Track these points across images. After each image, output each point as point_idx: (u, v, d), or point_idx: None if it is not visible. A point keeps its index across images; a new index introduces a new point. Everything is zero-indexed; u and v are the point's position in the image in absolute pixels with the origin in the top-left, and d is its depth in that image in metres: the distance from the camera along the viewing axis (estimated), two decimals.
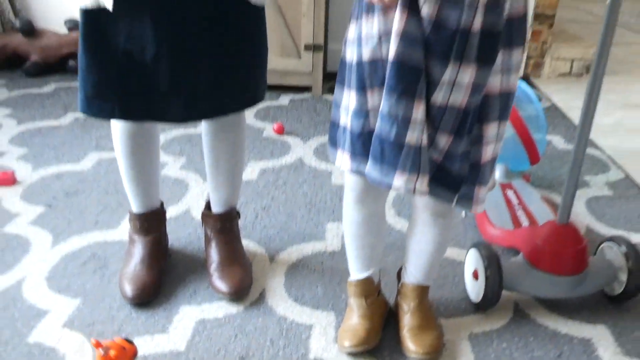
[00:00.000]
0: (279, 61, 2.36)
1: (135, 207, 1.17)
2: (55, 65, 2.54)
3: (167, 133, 1.94)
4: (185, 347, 1.03)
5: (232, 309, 1.13)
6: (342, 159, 0.88)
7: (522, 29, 0.80)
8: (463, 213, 1.46)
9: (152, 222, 1.19)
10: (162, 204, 1.23)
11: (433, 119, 0.78)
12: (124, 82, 0.96)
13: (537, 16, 2.61)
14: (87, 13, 0.93)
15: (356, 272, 1.04)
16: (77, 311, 1.11)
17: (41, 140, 1.87)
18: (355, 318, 1.02)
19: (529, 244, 1.13)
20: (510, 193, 1.45)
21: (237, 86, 1.04)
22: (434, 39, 0.73)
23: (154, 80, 0.96)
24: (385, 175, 0.80)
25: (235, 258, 1.19)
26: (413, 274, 1.03)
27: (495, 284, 1.06)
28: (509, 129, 1.57)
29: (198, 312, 1.12)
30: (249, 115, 2.13)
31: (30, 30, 2.47)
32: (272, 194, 1.60)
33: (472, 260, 1.15)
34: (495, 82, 0.79)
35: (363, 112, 0.83)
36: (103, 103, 0.99)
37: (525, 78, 2.72)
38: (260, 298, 1.17)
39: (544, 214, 1.35)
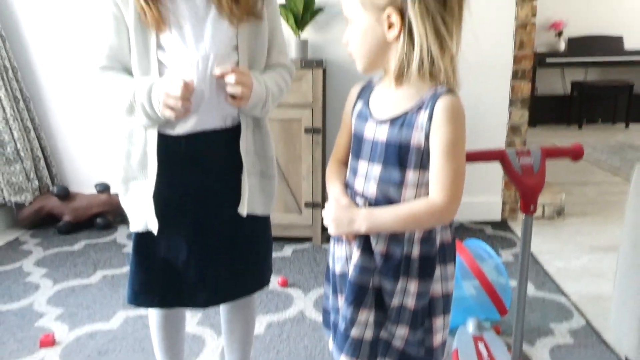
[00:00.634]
0: (283, 216, 2.70)
1: None
2: (85, 223, 2.88)
3: None
4: None
5: None
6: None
7: (452, 250, 1.10)
8: None
9: None
10: None
11: (393, 316, 1.05)
12: (163, 280, 1.26)
13: None
14: (138, 234, 1.25)
15: None
16: None
17: (75, 300, 2.15)
18: None
19: None
20: (481, 346, 1.68)
21: (250, 275, 1.34)
22: (386, 267, 1.03)
23: (185, 277, 1.26)
24: (336, 353, 1.08)
25: None
26: None
27: None
28: (476, 283, 1.84)
29: None
30: None
31: (65, 194, 2.84)
32: (277, 347, 1.83)
33: None
34: (437, 288, 1.07)
35: (335, 309, 1.12)
36: (147, 296, 1.28)
37: (503, 222, 3.03)
38: None
39: None
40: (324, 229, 2.91)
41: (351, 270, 1.05)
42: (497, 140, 2.90)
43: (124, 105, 1.18)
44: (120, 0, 1.16)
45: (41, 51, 2.92)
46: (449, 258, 1.08)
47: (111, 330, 1.94)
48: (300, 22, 2.65)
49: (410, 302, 1.05)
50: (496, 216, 3.05)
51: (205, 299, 1.29)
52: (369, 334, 1.07)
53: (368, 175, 1.04)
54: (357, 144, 1.07)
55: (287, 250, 2.67)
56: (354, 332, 1.06)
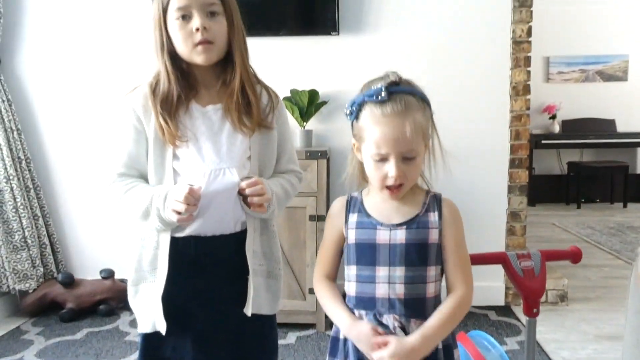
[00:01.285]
0: (287, 303, 2.69)
1: None
2: (87, 309, 2.87)
3: None
4: None
5: None
6: None
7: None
8: None
9: None
10: None
11: None
12: None
13: None
14: (145, 335, 1.28)
15: None
16: None
17: None
18: None
19: None
20: None
21: None
22: None
23: None
24: None
25: None
26: None
27: None
28: None
29: None
30: None
31: (70, 282, 2.85)
32: None
33: None
34: None
35: None
36: None
37: (507, 307, 3.02)
38: None
39: None
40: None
41: None
42: (497, 226, 2.95)
43: (140, 210, 1.23)
44: (143, 114, 1.25)
45: (54, 143, 3.03)
46: (454, 344, 1.12)
47: None
48: (305, 115, 2.77)
49: None
50: (499, 301, 3.04)
51: None
52: None
53: (392, 278, 1.09)
54: (369, 252, 1.11)
55: (291, 337, 2.64)
56: None
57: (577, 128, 6.10)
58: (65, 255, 3.10)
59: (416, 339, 1.04)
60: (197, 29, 1.19)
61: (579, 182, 6.10)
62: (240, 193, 1.25)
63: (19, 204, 2.81)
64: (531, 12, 2.78)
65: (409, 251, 1.10)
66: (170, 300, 1.26)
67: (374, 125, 1.07)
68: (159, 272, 1.26)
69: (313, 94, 2.76)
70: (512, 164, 2.90)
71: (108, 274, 2.90)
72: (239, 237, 1.30)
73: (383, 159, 1.08)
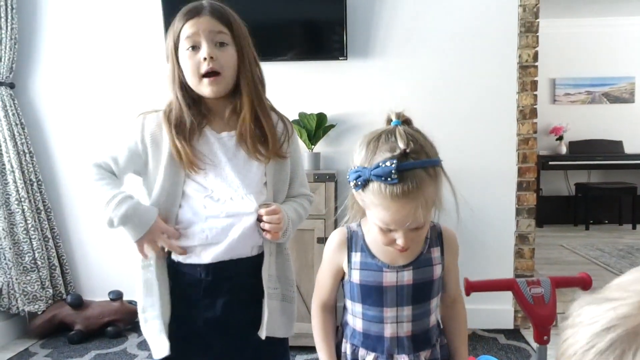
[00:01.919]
0: (295, 325, 2.68)
1: None
2: (96, 331, 2.87)
3: None
4: None
5: None
6: None
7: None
8: None
9: None
10: None
11: None
12: None
13: (517, 277, 2.99)
14: None
15: None
16: None
17: None
18: None
19: None
20: None
21: None
22: None
23: None
24: None
25: None
26: None
27: None
28: None
29: None
30: None
31: (79, 304, 2.86)
32: None
33: None
34: None
35: None
36: None
37: (516, 330, 3.00)
38: None
39: None
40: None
41: None
42: (505, 249, 2.95)
43: (98, 205, 1.25)
44: (151, 141, 1.26)
45: (65, 165, 3.07)
46: None
47: None
48: (313, 138, 2.79)
49: None
50: (508, 324, 3.02)
51: None
52: None
53: (400, 318, 1.10)
54: (376, 293, 1.10)
55: None
56: None
57: (584, 149, 6.10)
58: (75, 276, 3.12)
59: None
60: (204, 58, 1.21)
61: (587, 203, 6.07)
62: (258, 219, 1.27)
63: (29, 225, 2.84)
64: (537, 37, 2.81)
65: (416, 291, 1.11)
66: (187, 326, 1.28)
67: (383, 207, 0.98)
68: (162, 299, 1.28)
69: (321, 117, 2.79)
70: (520, 186, 2.91)
71: (116, 296, 2.91)
72: (255, 261, 1.31)
73: (390, 230, 1.03)
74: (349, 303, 1.15)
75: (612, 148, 6.10)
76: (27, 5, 2.99)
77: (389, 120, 1.05)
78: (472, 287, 1.23)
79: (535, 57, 2.82)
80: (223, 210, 1.25)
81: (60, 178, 3.08)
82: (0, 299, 2.81)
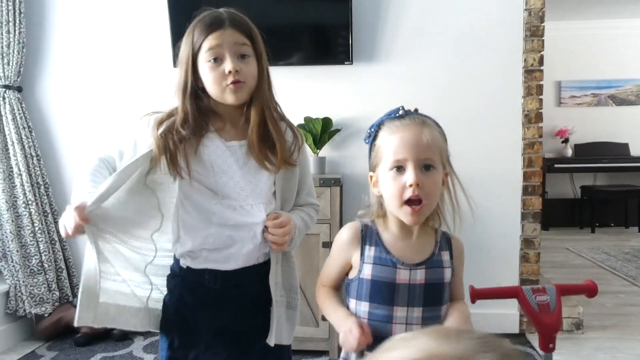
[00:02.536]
0: (299, 329, 2.66)
1: None
2: (102, 334, 2.89)
3: None
4: None
5: None
6: None
7: None
8: None
9: None
10: None
11: None
12: None
13: (523, 281, 2.99)
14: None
15: None
16: None
17: None
18: None
19: None
20: None
21: None
22: None
23: None
24: None
25: None
26: None
27: None
28: None
29: None
30: None
31: None
32: None
33: None
34: None
35: None
36: None
37: (521, 334, 2.99)
38: None
39: None
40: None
41: None
42: (510, 253, 2.94)
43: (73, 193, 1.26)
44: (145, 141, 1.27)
45: (72, 168, 3.09)
46: None
47: None
48: (318, 142, 2.80)
49: None
50: (514, 328, 3.01)
51: None
52: None
53: (409, 319, 1.10)
54: (387, 291, 1.10)
55: None
56: None
57: (590, 152, 6.08)
58: (78, 272, 3.13)
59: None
60: (230, 72, 1.21)
61: (593, 206, 6.05)
62: (264, 230, 1.28)
63: (36, 228, 2.86)
64: (542, 41, 2.81)
65: (427, 291, 1.10)
66: (194, 333, 1.29)
67: (392, 134, 1.09)
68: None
69: (326, 121, 2.80)
70: (525, 190, 2.91)
71: None
72: (261, 269, 1.32)
73: (401, 169, 1.07)
74: (353, 303, 1.14)
75: (618, 150, 6.07)
76: (35, 10, 3.01)
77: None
78: (477, 295, 1.23)
79: (541, 61, 2.82)
80: (231, 217, 1.26)
81: (67, 181, 3.10)
82: (7, 302, 2.84)
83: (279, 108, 1.35)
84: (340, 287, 1.21)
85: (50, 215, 2.95)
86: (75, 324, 1.25)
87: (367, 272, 1.11)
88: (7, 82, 2.86)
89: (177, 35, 1.34)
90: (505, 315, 2.99)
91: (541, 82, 2.84)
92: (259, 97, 1.28)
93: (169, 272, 1.36)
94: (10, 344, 2.83)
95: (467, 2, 2.83)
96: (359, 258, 1.13)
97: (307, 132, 2.78)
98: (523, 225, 2.94)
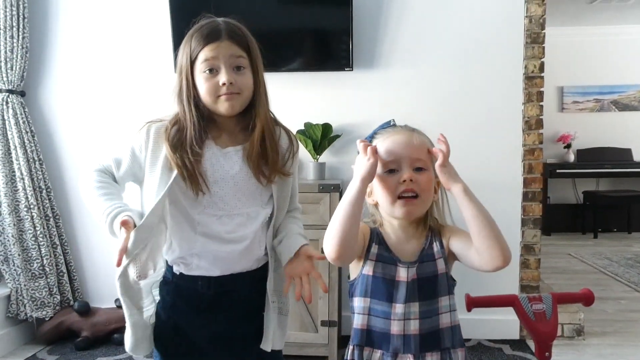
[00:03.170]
0: (298, 335, 2.69)
1: None
2: (102, 338, 2.90)
3: None
4: None
5: None
6: None
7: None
8: None
9: None
10: None
11: None
12: None
13: (523, 287, 2.98)
14: None
15: None
16: None
17: None
18: None
19: None
20: None
21: None
22: None
23: None
24: None
25: None
26: None
27: None
28: None
29: None
30: None
31: (86, 310, 2.88)
32: None
33: None
34: None
35: None
36: None
37: (521, 340, 2.99)
38: None
39: None
40: (340, 348, 2.90)
41: None
42: (511, 261, 2.93)
43: (96, 214, 1.27)
44: (152, 152, 1.26)
45: (74, 172, 3.10)
46: None
47: None
48: (318, 148, 2.81)
49: None
50: (514, 335, 3.01)
51: None
52: None
53: (407, 315, 1.12)
54: (387, 288, 1.13)
55: None
56: None
57: (592, 157, 6.07)
58: (82, 283, 3.15)
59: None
60: (224, 84, 1.22)
61: (596, 211, 6.04)
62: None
63: (38, 232, 2.87)
64: (543, 48, 2.81)
65: (421, 286, 1.13)
66: (188, 339, 1.30)
67: (385, 140, 1.15)
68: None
69: (326, 127, 2.81)
70: (526, 197, 2.90)
71: None
72: (255, 275, 1.33)
73: (394, 171, 1.12)
74: (357, 301, 1.17)
75: (621, 156, 6.06)
76: (38, 15, 3.03)
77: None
78: (474, 303, 1.23)
79: (542, 67, 2.83)
80: (214, 228, 1.27)
81: (69, 185, 3.12)
82: (8, 305, 2.85)
83: (272, 115, 1.36)
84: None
85: (51, 219, 2.97)
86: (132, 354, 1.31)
87: (369, 269, 1.16)
88: (10, 87, 2.88)
89: (179, 41, 1.33)
90: (505, 322, 2.99)
91: (542, 89, 2.84)
92: (260, 108, 1.29)
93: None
94: (11, 347, 2.84)
95: (467, 9, 2.84)
96: (363, 256, 1.17)
97: (307, 137, 2.79)
98: (523, 231, 2.94)
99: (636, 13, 5.58)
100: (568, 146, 6.09)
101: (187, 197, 1.27)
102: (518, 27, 2.82)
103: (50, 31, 3.05)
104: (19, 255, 2.83)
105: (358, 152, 1.15)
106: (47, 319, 2.90)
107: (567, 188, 6.37)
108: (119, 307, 2.92)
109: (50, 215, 2.97)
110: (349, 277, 1.23)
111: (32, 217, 2.87)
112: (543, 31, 2.80)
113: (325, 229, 2.65)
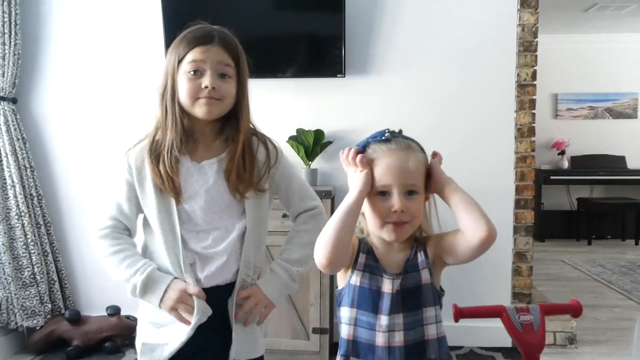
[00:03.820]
0: (290, 342, 2.69)
1: None
2: (93, 347, 2.87)
3: None
4: None
5: None
6: None
7: None
8: None
9: None
10: None
11: None
12: None
13: (515, 294, 2.98)
14: None
15: None
16: None
17: None
18: None
19: None
20: None
21: None
22: None
23: None
24: None
25: None
26: None
27: None
28: None
29: None
30: None
31: (77, 319, 2.86)
32: None
33: None
34: None
35: None
36: None
37: (514, 348, 2.98)
38: None
39: None
40: (332, 355, 2.88)
41: None
42: (503, 267, 2.94)
43: (121, 278, 1.29)
44: (137, 177, 1.28)
45: (66, 180, 3.10)
46: None
47: None
48: (310, 154, 2.81)
49: None
50: (507, 342, 3.00)
51: None
52: None
53: (392, 327, 1.11)
54: (373, 299, 1.12)
55: None
56: None
57: (586, 164, 6.09)
58: (73, 291, 3.13)
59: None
60: (206, 87, 1.22)
61: (589, 218, 6.05)
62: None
63: (29, 240, 2.85)
64: (536, 56, 2.82)
65: (405, 297, 1.12)
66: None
67: (378, 160, 1.10)
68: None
69: (319, 133, 2.81)
70: (518, 204, 2.91)
71: (114, 311, 2.92)
72: (231, 287, 1.32)
73: (385, 193, 1.09)
74: (344, 311, 1.15)
75: (615, 163, 6.08)
76: (30, 22, 3.02)
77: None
78: (461, 314, 1.22)
79: (534, 75, 2.83)
80: (191, 244, 1.27)
81: (60, 193, 3.10)
82: None
83: (252, 125, 1.35)
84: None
85: (43, 227, 2.95)
86: None
87: (356, 279, 1.14)
88: (2, 94, 2.87)
89: None
90: (497, 330, 2.96)
91: (534, 97, 2.85)
92: (243, 121, 1.29)
93: None
94: (1, 357, 2.81)
95: (461, 17, 2.85)
96: (351, 266, 1.16)
97: (299, 144, 2.79)
98: (515, 238, 2.94)
99: (630, 22, 5.61)
100: (562, 153, 6.11)
101: (174, 213, 1.28)
102: (511, 35, 2.83)
103: (42, 38, 3.05)
104: (9, 263, 2.80)
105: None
106: (37, 327, 2.87)
107: (561, 194, 6.38)
108: (110, 315, 2.91)
109: (42, 222, 2.95)
110: (336, 286, 1.22)
111: (23, 224, 2.85)
112: (535, 39, 2.81)
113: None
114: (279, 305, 1.39)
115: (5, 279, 2.81)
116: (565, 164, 6.12)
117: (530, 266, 2.96)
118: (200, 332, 1.28)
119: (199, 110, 1.24)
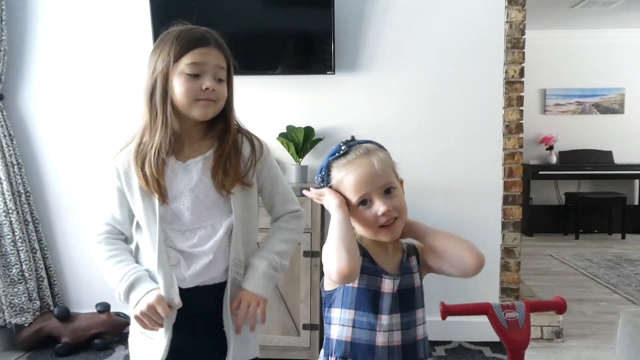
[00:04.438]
0: (280, 339, 2.70)
1: None
2: (83, 344, 2.87)
3: None
4: None
5: None
6: None
7: None
8: None
9: None
10: None
11: None
12: None
13: (503, 290, 3.01)
14: None
15: None
16: None
17: None
18: None
19: None
20: None
21: None
22: None
23: None
24: None
25: None
26: None
27: None
28: None
29: None
30: None
31: (66, 316, 2.86)
32: None
33: None
34: None
35: None
36: None
37: (502, 343, 3.01)
38: None
39: None
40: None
41: None
42: (491, 262, 2.96)
43: (112, 283, 1.30)
44: (125, 180, 1.29)
45: (54, 177, 3.08)
46: None
47: None
48: (300, 151, 2.81)
49: None
50: (495, 337, 3.00)
51: None
52: None
53: (391, 327, 1.13)
54: (373, 299, 1.13)
55: None
56: None
57: (574, 159, 6.14)
58: (62, 288, 3.12)
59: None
60: (207, 88, 1.23)
61: (577, 213, 6.11)
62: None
63: (17, 237, 2.84)
64: (523, 53, 2.84)
65: (402, 297, 1.15)
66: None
67: (345, 174, 1.12)
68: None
69: (309, 130, 2.81)
70: (506, 200, 2.93)
71: (104, 308, 2.91)
72: (220, 288, 1.32)
73: (366, 202, 1.12)
74: (337, 312, 1.15)
75: (602, 158, 6.14)
76: (17, 17, 2.99)
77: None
78: (448, 311, 1.24)
79: (522, 72, 2.85)
80: (179, 243, 1.27)
81: (48, 189, 3.09)
82: None
83: (237, 122, 1.37)
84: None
85: (31, 224, 2.93)
86: None
87: (357, 281, 1.14)
88: None
89: None
90: (485, 324, 2.97)
91: (522, 94, 2.87)
92: (232, 120, 1.32)
93: None
94: None
95: (449, 14, 2.86)
96: None
97: (289, 141, 2.79)
98: (504, 234, 2.96)
99: (617, 17, 5.65)
100: (550, 148, 6.16)
101: (157, 213, 1.28)
102: (498, 32, 2.84)
103: (28, 34, 3.02)
104: None
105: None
106: (26, 324, 2.86)
107: (550, 189, 6.44)
108: (100, 312, 2.90)
109: (30, 219, 2.94)
110: (322, 287, 1.22)
111: (10, 221, 2.83)
112: (523, 36, 2.83)
113: (308, 232, 2.67)
114: (270, 297, 1.40)
115: None
116: (554, 159, 6.17)
117: (518, 261, 2.99)
118: (191, 337, 1.29)
119: (197, 112, 1.25)
